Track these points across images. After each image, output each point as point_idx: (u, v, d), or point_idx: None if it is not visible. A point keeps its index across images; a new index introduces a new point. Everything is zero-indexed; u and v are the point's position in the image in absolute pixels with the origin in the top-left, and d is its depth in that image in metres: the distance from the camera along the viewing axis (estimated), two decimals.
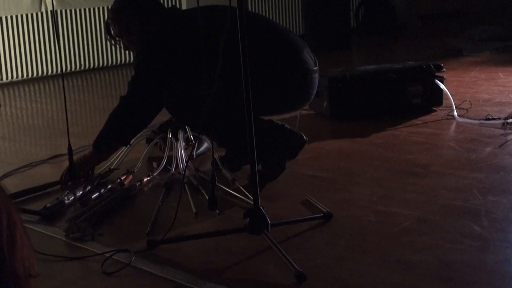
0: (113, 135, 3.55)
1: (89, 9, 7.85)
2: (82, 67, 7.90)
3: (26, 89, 7.12)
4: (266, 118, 3.43)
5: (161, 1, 3.70)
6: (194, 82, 3.32)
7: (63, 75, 4.97)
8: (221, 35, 2.54)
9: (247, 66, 2.51)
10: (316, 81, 3.45)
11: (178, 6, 8.37)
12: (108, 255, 2.65)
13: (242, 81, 2.51)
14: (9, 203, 1.17)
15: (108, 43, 3.67)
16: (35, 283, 1.19)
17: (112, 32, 3.58)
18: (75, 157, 3.67)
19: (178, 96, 3.41)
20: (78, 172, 3.59)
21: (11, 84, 7.33)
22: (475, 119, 4.47)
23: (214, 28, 3.20)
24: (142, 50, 3.48)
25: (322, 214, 2.92)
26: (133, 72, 3.54)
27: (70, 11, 7.73)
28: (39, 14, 7.49)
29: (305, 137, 3.44)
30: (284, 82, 3.35)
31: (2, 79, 7.34)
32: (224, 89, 3.16)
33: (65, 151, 4.20)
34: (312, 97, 3.51)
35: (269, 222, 2.59)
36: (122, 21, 3.51)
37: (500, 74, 6.14)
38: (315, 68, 3.43)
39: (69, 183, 3.55)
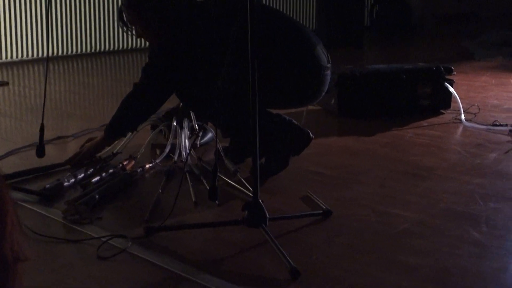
0: (125, 121, 3.56)
1: None
2: (93, 50, 7.89)
3: (36, 68, 7.12)
4: (275, 112, 3.41)
5: None
6: (206, 71, 3.31)
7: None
8: (233, 27, 2.52)
9: (255, 58, 2.49)
10: (328, 78, 3.44)
11: None
12: (104, 239, 2.64)
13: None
14: (2, 186, 1.16)
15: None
16: (23, 267, 1.18)
17: (125, 19, 3.55)
18: (81, 141, 3.68)
19: (189, 83, 3.40)
20: (87, 156, 3.58)
21: (21, 62, 7.33)
22: (482, 124, 4.45)
23: (227, 19, 3.18)
24: (157, 40, 3.46)
25: (321, 211, 2.91)
26: (147, 59, 3.53)
27: None
28: None
29: (311, 135, 3.43)
30: (295, 77, 3.33)
31: (12, 57, 7.34)
32: (235, 79, 3.16)
33: (70, 133, 4.24)
34: (323, 93, 3.50)
35: (267, 216, 2.58)
36: (137, 10, 3.46)
37: (511, 80, 6.10)
38: (328, 65, 3.42)
39: (86, 161, 3.55)
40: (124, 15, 3.51)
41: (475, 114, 4.72)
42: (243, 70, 2.56)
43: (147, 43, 3.98)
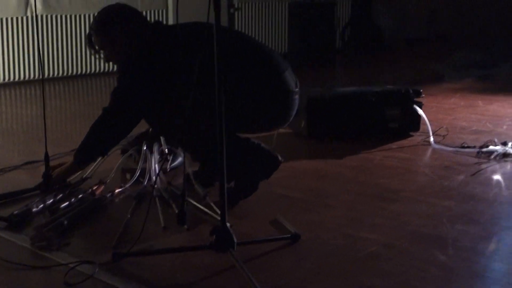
0: (94, 146, 3.54)
1: (74, 16, 7.84)
2: (64, 73, 7.88)
3: (7, 92, 7.09)
4: (243, 136, 3.43)
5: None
6: (173, 95, 3.33)
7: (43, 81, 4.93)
8: (200, 51, 2.55)
9: (222, 83, 2.52)
10: (297, 102, 3.46)
11: (164, 21, 8.40)
12: (72, 265, 2.64)
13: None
14: None
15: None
16: None
17: (95, 43, 3.56)
18: (52, 165, 3.68)
19: (157, 107, 3.41)
20: (57, 182, 3.58)
21: None
22: (450, 146, 4.49)
23: (194, 43, 3.20)
24: (126, 63, 3.47)
25: (289, 235, 2.92)
26: (116, 83, 3.54)
27: (56, 16, 7.71)
28: (25, 18, 7.47)
29: (280, 158, 3.45)
30: (264, 102, 3.35)
31: None
32: (202, 104, 3.17)
33: (41, 157, 4.21)
34: (292, 118, 3.52)
35: (235, 241, 2.59)
36: (106, 33, 3.48)
37: (480, 102, 6.18)
38: (296, 89, 3.44)
39: (56, 186, 3.55)
40: (93, 39, 3.53)
41: (443, 136, 4.77)
42: (210, 94, 2.58)
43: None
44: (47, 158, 3.59)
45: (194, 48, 3.09)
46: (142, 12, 3.65)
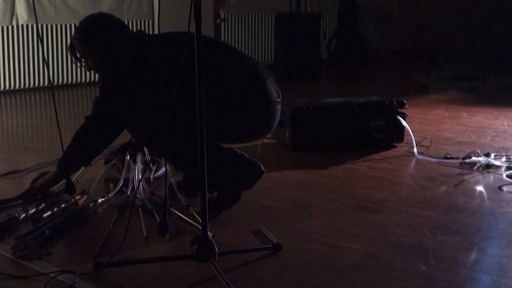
0: (77, 155, 3.54)
1: (60, 26, 7.84)
2: (49, 83, 7.87)
3: None
4: (226, 146, 3.44)
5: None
6: (156, 105, 3.33)
7: (52, 89, 4.95)
8: (180, 61, 2.56)
9: (202, 93, 2.53)
10: (278, 113, 3.47)
11: (150, 31, 8.41)
12: (53, 275, 2.63)
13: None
14: None
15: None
16: None
17: (77, 52, 3.57)
18: (35, 175, 3.69)
19: (139, 117, 3.42)
20: (41, 191, 3.57)
21: None
22: (434, 157, 4.51)
23: (175, 53, 3.21)
24: (108, 72, 3.48)
25: (271, 245, 2.93)
26: (98, 92, 3.54)
27: (41, 26, 7.71)
28: (10, 27, 7.46)
29: (263, 168, 3.46)
30: (245, 112, 3.36)
31: None
32: (184, 114, 3.18)
33: (24, 167, 4.22)
34: (273, 128, 3.53)
35: (217, 251, 2.60)
36: (88, 42, 3.50)
37: (464, 113, 6.22)
38: (278, 99, 3.45)
39: (39, 196, 3.54)
40: (75, 48, 3.53)
41: (427, 147, 4.79)
42: (191, 104, 2.59)
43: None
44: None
45: (175, 58, 3.10)
46: (125, 22, 3.66)
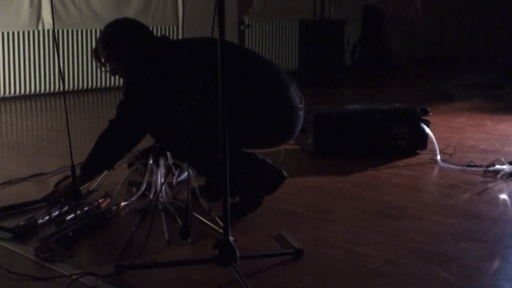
0: (100, 158, 3.57)
1: (86, 30, 7.89)
2: (75, 87, 7.92)
3: (18, 105, 7.14)
4: (248, 151, 3.44)
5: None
6: (178, 110, 3.35)
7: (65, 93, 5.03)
8: (202, 66, 2.57)
9: (225, 97, 2.53)
10: (301, 119, 3.47)
11: (175, 37, 8.44)
12: (74, 277, 2.65)
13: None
14: None
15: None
16: None
17: (101, 57, 3.60)
18: (58, 178, 3.72)
19: (162, 122, 3.44)
20: (64, 195, 3.60)
21: (3, 99, 7.35)
22: (457, 165, 4.49)
23: (199, 58, 3.23)
24: (131, 76, 3.50)
25: (292, 250, 2.93)
26: (121, 96, 3.56)
27: (67, 31, 7.77)
28: (36, 32, 7.53)
29: (285, 174, 3.46)
30: (268, 118, 3.37)
31: None
32: (206, 119, 3.19)
33: (48, 170, 4.25)
34: (296, 134, 3.53)
35: (238, 255, 2.60)
36: (112, 47, 3.53)
37: (488, 121, 6.18)
38: (301, 105, 3.45)
39: (62, 199, 3.56)
40: (99, 53, 3.56)
41: (451, 155, 4.77)
42: (213, 110, 2.60)
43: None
44: (73, 170, 3.59)
45: (198, 63, 3.12)
46: (150, 27, 3.68)
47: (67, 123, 3.46)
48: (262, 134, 3.39)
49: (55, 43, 7.70)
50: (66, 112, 3.52)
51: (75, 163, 3.62)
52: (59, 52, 7.73)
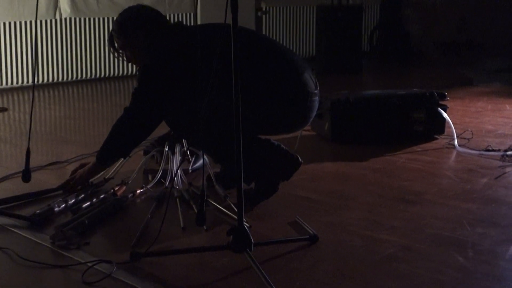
0: (116, 146, 3.57)
1: (102, 19, 7.90)
2: (92, 76, 7.94)
3: (36, 94, 7.15)
4: (263, 137, 3.43)
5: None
6: (193, 97, 3.34)
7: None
8: (216, 52, 2.55)
9: (239, 84, 2.52)
10: (316, 104, 3.45)
11: (194, 23, 8.43)
12: (90, 264, 2.66)
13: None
14: None
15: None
16: None
17: (116, 44, 3.60)
18: (75, 166, 3.74)
19: (177, 110, 3.43)
20: (80, 182, 3.61)
21: (21, 88, 7.38)
22: (475, 150, 4.46)
23: (213, 45, 3.21)
24: (146, 64, 3.50)
25: (308, 236, 2.92)
26: (136, 84, 3.56)
27: (84, 19, 7.78)
28: (53, 20, 7.55)
29: (300, 160, 3.44)
30: (282, 104, 3.35)
31: (12, 83, 7.39)
32: (221, 105, 3.18)
33: (65, 158, 4.26)
34: (311, 120, 3.52)
35: (252, 241, 2.59)
36: (127, 34, 3.52)
37: (507, 106, 6.14)
38: (316, 91, 3.43)
39: (79, 187, 3.58)
40: (114, 40, 3.56)
41: (468, 140, 4.74)
42: (228, 96, 2.59)
43: None
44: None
45: (213, 49, 3.10)
46: (166, 15, 3.67)
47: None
48: (276, 120, 3.37)
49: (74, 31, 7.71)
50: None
51: (91, 151, 3.65)
52: (75, 41, 7.75)
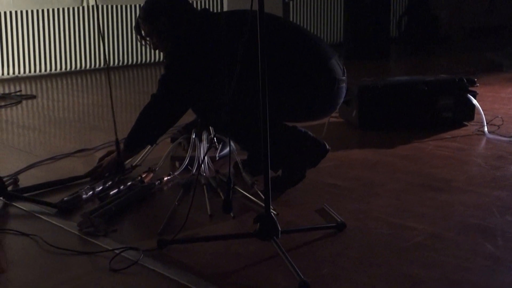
0: (143, 133, 3.59)
1: (130, 6, 7.91)
2: (120, 63, 7.96)
3: (64, 81, 7.21)
4: (290, 124, 3.42)
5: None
6: (220, 84, 3.33)
7: (108, 70, 5.08)
8: (243, 39, 2.54)
9: (265, 70, 2.51)
10: (343, 91, 3.43)
11: (220, 9, 8.41)
12: (117, 251, 2.66)
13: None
14: None
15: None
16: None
17: (142, 31, 3.60)
18: (102, 153, 3.75)
19: (204, 96, 3.43)
20: (108, 169, 3.62)
21: (49, 76, 7.43)
22: (505, 136, 4.41)
23: (239, 31, 3.20)
24: (172, 50, 3.50)
25: (335, 224, 2.91)
26: (163, 71, 3.56)
27: (111, 6, 7.80)
28: (80, 8, 7.57)
29: (327, 146, 3.42)
30: (309, 90, 3.33)
31: (40, 70, 7.43)
32: (248, 92, 3.17)
33: (93, 145, 4.28)
34: (338, 106, 3.50)
35: (279, 229, 2.58)
36: (153, 21, 3.52)
37: None
38: (343, 77, 3.41)
39: (106, 174, 3.59)
40: (140, 28, 3.56)
41: (498, 126, 4.68)
42: (255, 83, 2.57)
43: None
44: (117, 145, 3.63)
45: (239, 36, 3.09)
46: (193, 2, 3.66)
47: (111, 98, 3.46)
48: (303, 106, 3.35)
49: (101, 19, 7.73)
50: (110, 87, 3.53)
51: (119, 138, 3.65)
52: (103, 28, 7.77)
